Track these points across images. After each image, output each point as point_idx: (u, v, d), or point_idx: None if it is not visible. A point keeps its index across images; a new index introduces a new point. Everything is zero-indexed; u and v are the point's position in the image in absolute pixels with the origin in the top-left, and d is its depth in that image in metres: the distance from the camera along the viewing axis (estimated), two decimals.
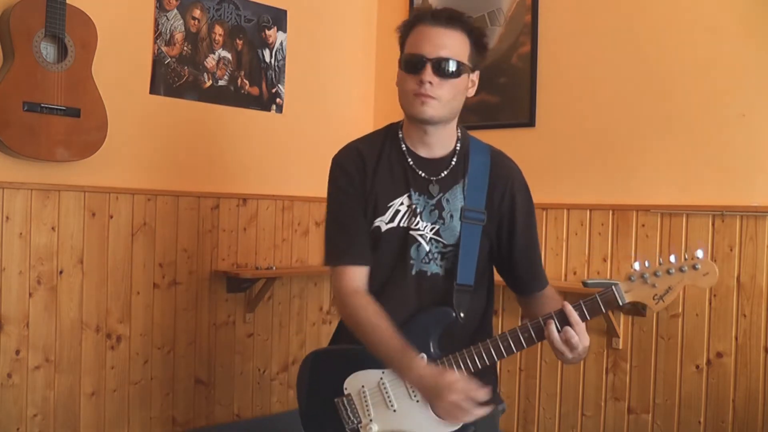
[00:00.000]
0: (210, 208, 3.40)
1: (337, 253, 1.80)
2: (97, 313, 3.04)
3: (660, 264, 1.58)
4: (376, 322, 1.70)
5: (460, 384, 1.59)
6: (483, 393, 1.59)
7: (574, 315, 1.56)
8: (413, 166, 1.76)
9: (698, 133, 2.94)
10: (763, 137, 2.80)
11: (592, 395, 3.19)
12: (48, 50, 2.74)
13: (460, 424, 1.65)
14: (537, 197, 3.45)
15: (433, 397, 1.63)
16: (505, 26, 3.53)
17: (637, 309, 3.04)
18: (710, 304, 2.88)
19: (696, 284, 1.56)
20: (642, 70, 3.09)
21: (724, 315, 2.85)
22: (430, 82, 1.65)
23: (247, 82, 3.53)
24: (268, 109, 3.63)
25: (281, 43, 3.65)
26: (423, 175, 1.76)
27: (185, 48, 3.30)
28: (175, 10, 3.26)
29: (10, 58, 2.66)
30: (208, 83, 3.39)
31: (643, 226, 3.06)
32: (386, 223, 1.75)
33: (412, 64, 1.68)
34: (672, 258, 1.57)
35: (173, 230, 3.27)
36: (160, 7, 3.20)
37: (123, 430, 3.14)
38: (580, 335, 1.56)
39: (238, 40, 3.49)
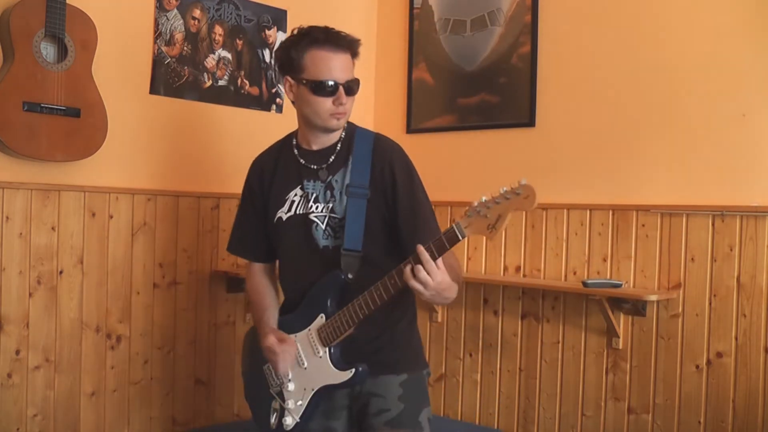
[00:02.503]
0: (210, 208, 3.40)
1: (236, 246, 2.29)
2: (97, 313, 3.04)
3: (492, 196, 1.73)
4: (253, 297, 2.22)
5: (271, 347, 2.04)
6: (279, 352, 2.03)
7: (424, 254, 1.76)
8: (303, 162, 2.10)
9: (698, 133, 2.94)
10: (763, 137, 2.80)
11: (592, 395, 3.19)
12: (48, 50, 2.74)
13: (352, 371, 1.96)
14: (537, 197, 3.44)
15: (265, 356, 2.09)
16: (505, 26, 3.53)
17: (637, 309, 3.04)
18: (710, 304, 2.89)
19: (521, 208, 1.69)
20: (642, 69, 3.09)
21: (724, 315, 2.85)
22: (344, 103, 2.01)
23: (247, 82, 3.53)
24: (268, 109, 3.63)
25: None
26: (313, 166, 2.08)
27: (185, 48, 3.30)
28: (175, 10, 3.26)
29: (10, 58, 2.66)
30: (208, 83, 3.39)
31: (643, 226, 3.07)
32: (285, 213, 2.09)
33: (325, 89, 1.99)
34: (502, 189, 1.71)
35: (173, 230, 3.28)
36: (160, 7, 3.20)
37: (123, 430, 3.14)
38: (430, 272, 1.76)
39: (238, 40, 3.49)
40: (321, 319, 2.00)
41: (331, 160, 2.07)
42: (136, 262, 3.16)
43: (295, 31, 2.08)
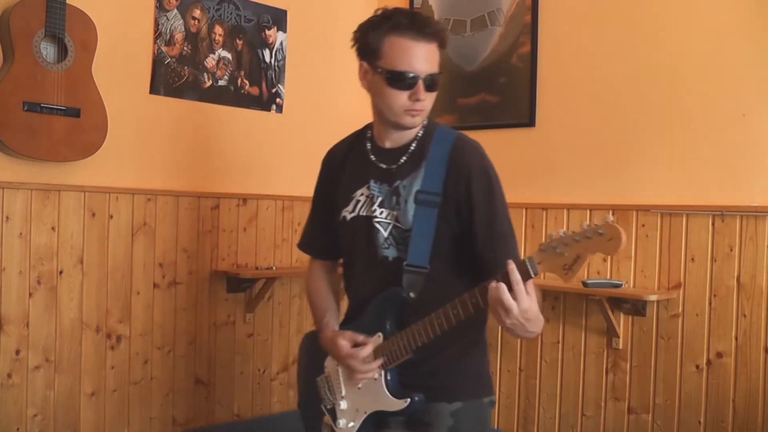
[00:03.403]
0: (210, 208, 3.40)
1: (308, 247, 2.08)
2: (97, 313, 3.04)
3: (572, 232, 1.48)
4: (314, 299, 2.01)
5: (344, 351, 1.77)
6: (362, 359, 1.75)
7: (515, 273, 1.51)
8: (374, 159, 1.87)
9: (698, 133, 2.94)
10: (763, 137, 2.80)
11: (592, 395, 3.19)
12: (48, 50, 2.74)
13: (407, 400, 1.75)
14: (537, 197, 3.44)
15: (335, 359, 1.85)
16: (505, 26, 3.53)
17: (637, 309, 3.04)
18: (710, 304, 2.89)
19: (602, 251, 1.47)
20: (642, 69, 3.09)
21: (724, 315, 2.85)
22: (420, 99, 1.75)
23: (247, 82, 3.53)
24: (268, 109, 3.63)
25: (281, 43, 3.66)
26: (383, 166, 1.85)
27: (185, 48, 3.30)
28: (175, 10, 3.26)
29: (10, 58, 2.66)
30: (208, 83, 3.39)
31: (643, 226, 3.07)
32: (350, 213, 1.87)
33: (403, 82, 1.75)
34: (585, 225, 1.48)
35: (173, 230, 3.27)
36: (160, 7, 3.20)
37: (123, 430, 3.14)
38: (518, 296, 1.50)
39: (238, 40, 3.49)
40: (378, 339, 1.78)
41: (401, 161, 1.83)
42: (136, 262, 3.16)
43: (378, 12, 1.85)
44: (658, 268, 3.02)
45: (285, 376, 3.71)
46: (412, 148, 1.83)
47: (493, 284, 1.52)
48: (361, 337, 1.78)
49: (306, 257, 2.11)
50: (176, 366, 3.30)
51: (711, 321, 2.88)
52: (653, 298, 2.94)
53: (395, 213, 1.80)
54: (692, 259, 2.94)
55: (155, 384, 3.23)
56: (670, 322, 2.98)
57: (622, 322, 3.11)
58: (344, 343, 1.78)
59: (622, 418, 3.10)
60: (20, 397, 2.84)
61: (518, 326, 1.54)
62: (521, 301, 1.50)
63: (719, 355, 2.86)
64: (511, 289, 1.50)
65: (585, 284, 3.04)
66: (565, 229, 1.50)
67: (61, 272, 2.94)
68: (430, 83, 1.76)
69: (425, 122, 1.87)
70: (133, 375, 3.16)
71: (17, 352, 2.83)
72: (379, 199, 1.83)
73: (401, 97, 1.76)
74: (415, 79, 1.74)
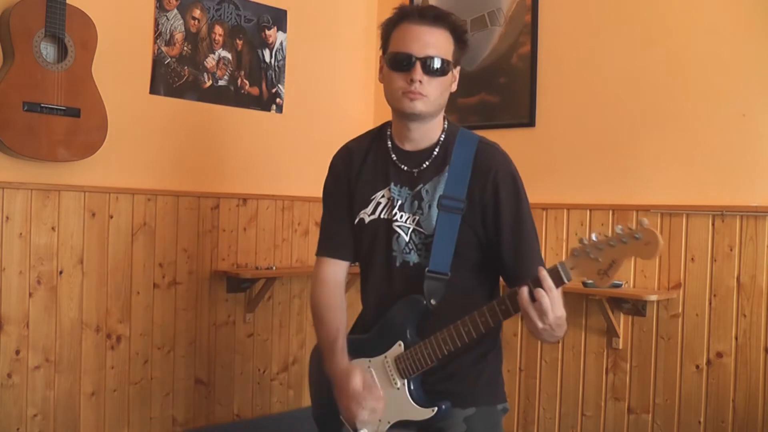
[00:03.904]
0: (210, 208, 3.40)
1: (319, 245, 1.94)
2: (97, 313, 3.04)
3: (605, 236, 1.46)
4: (324, 314, 1.86)
5: (356, 392, 1.71)
6: (367, 410, 1.71)
7: (548, 280, 1.49)
8: (395, 160, 1.82)
9: (698, 133, 2.94)
10: (763, 137, 2.80)
11: (592, 395, 3.19)
12: (48, 50, 2.75)
13: (434, 409, 1.72)
14: (537, 197, 3.43)
15: (337, 394, 1.77)
16: (505, 26, 3.53)
17: (637, 309, 3.04)
18: (710, 304, 2.89)
19: (639, 255, 1.43)
20: (642, 69, 3.09)
21: (724, 315, 2.85)
22: (420, 81, 1.70)
23: (247, 82, 3.53)
24: (268, 109, 3.63)
25: (281, 43, 3.66)
26: (404, 168, 1.80)
27: (185, 48, 3.30)
28: (175, 10, 3.26)
29: (10, 58, 2.66)
30: (208, 83, 3.39)
31: None
32: (369, 215, 1.83)
33: (400, 63, 1.71)
34: (618, 229, 1.44)
35: (173, 230, 3.27)
36: (160, 7, 3.20)
37: (123, 430, 3.14)
38: (553, 301, 1.49)
39: (238, 40, 3.49)
40: (399, 347, 1.75)
41: (425, 165, 1.79)
42: (136, 262, 3.16)
43: None
44: (658, 268, 3.02)
45: (285, 376, 3.71)
46: (435, 152, 1.79)
47: (525, 290, 1.52)
48: (370, 378, 1.74)
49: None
50: (176, 366, 3.30)
51: (711, 321, 2.88)
52: (653, 298, 2.94)
53: (416, 217, 1.77)
54: (692, 259, 2.94)
55: (155, 384, 3.23)
56: (670, 322, 2.98)
57: (622, 322, 3.11)
58: (358, 381, 1.71)
59: (622, 418, 3.10)
60: (20, 397, 2.84)
61: (548, 331, 1.53)
62: (556, 308, 1.50)
63: (719, 355, 2.86)
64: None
65: (585, 284, 3.04)
66: (596, 233, 1.48)
67: (61, 272, 2.94)
68: (432, 67, 1.70)
69: (446, 125, 1.83)
70: (133, 375, 3.16)
71: (17, 352, 2.83)
72: (399, 202, 1.79)
73: (399, 80, 1.72)
74: (410, 57, 1.70)
